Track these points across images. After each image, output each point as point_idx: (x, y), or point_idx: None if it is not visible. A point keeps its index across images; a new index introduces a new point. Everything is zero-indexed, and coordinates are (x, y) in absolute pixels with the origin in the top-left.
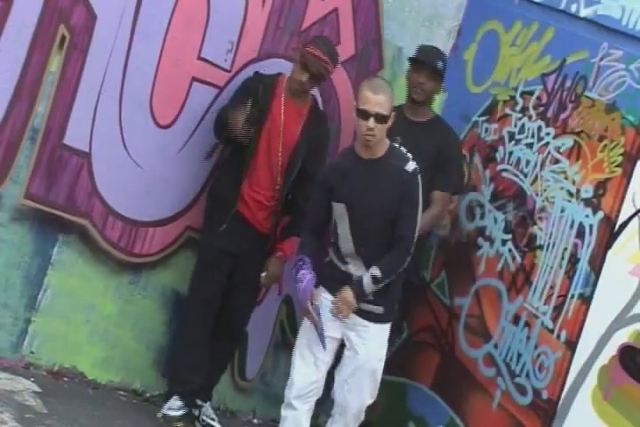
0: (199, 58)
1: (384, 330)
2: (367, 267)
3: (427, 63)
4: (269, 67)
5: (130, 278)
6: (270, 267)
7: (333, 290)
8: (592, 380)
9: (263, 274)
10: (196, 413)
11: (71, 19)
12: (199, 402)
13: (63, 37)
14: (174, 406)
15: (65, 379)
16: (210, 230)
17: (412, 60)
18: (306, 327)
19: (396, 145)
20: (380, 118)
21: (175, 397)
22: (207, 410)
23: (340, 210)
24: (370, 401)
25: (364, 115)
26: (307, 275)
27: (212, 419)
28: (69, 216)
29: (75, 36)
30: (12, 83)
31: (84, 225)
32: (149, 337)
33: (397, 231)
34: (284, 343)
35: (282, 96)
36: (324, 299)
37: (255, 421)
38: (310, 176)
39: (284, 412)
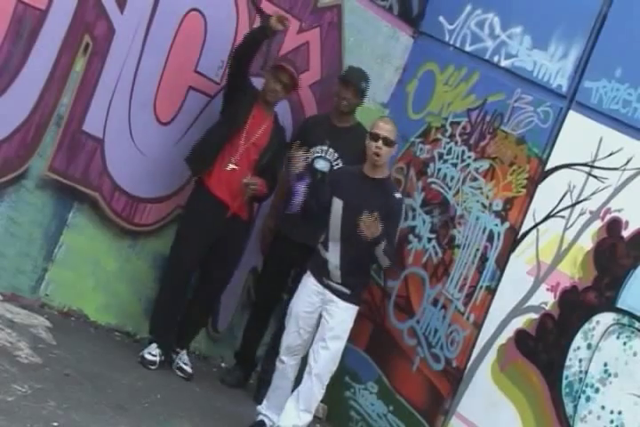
0: (195, 71)
1: (349, 309)
2: (342, 257)
3: (353, 83)
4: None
5: (129, 243)
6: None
7: (316, 275)
8: (492, 355)
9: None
10: (174, 356)
11: (95, 30)
12: (177, 349)
13: (87, 44)
14: (153, 352)
15: (72, 319)
16: (193, 210)
17: (341, 78)
18: (295, 303)
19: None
20: (387, 142)
21: (155, 345)
22: (182, 356)
23: (337, 204)
24: (333, 368)
25: (375, 137)
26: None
27: (185, 364)
28: (83, 188)
29: (96, 45)
30: (44, 78)
31: (95, 196)
32: (141, 291)
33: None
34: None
35: (258, 106)
36: (311, 284)
37: (223, 365)
38: (274, 170)
39: (277, 364)
